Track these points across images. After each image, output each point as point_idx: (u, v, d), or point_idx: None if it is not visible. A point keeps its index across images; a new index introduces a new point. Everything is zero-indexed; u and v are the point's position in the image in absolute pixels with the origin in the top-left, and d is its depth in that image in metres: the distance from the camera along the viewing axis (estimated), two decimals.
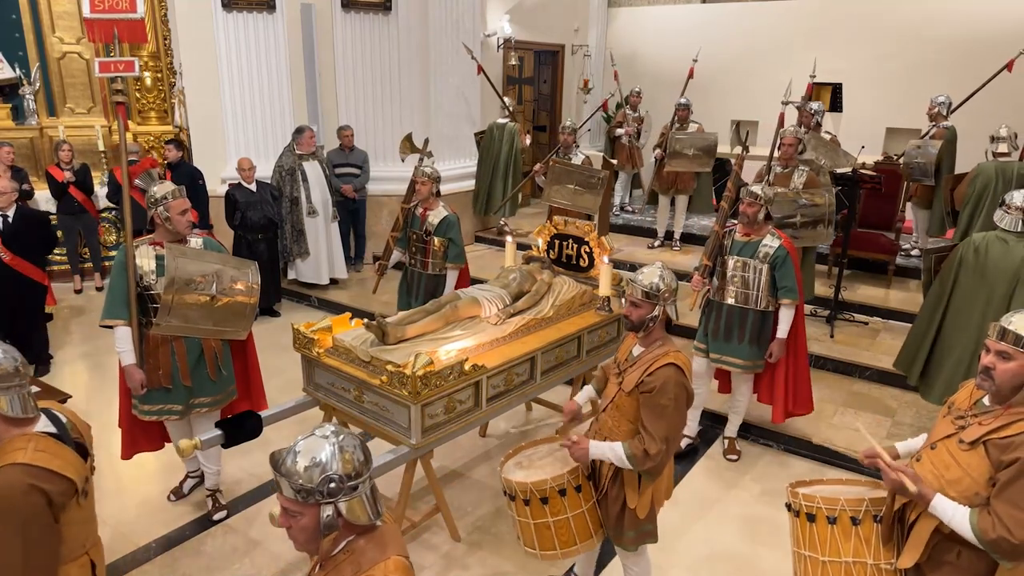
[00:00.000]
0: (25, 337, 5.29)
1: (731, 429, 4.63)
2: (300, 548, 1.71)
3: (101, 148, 7.80)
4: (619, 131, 8.77)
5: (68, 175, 7.04)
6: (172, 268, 3.34)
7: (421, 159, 5.31)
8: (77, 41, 8.03)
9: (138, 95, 8.26)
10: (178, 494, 4.07)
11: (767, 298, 4.17)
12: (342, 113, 8.09)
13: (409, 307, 4.99)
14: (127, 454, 3.80)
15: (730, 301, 4.25)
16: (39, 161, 7.80)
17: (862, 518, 2.32)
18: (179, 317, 3.41)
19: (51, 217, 7.55)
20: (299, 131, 7.04)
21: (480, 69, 8.49)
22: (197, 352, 3.57)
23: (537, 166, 6.96)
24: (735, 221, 4.35)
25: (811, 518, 2.37)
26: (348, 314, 3.91)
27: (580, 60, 11.48)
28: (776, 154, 5.65)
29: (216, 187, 7.43)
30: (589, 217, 6.19)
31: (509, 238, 4.76)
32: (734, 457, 4.57)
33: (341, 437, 1.67)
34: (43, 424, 2.13)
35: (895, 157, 7.40)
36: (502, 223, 8.87)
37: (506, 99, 8.94)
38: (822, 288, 6.70)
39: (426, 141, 5.55)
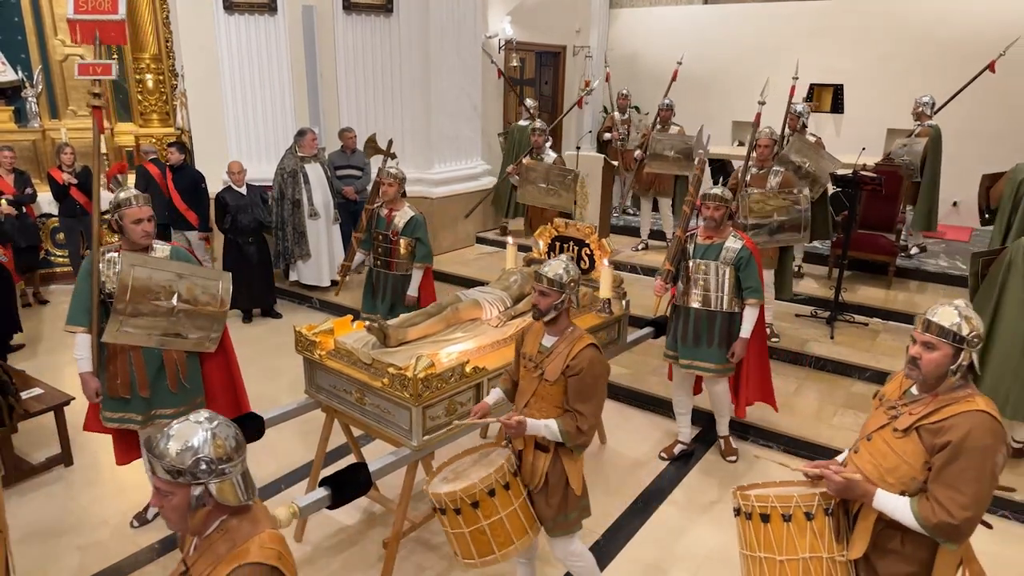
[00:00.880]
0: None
1: (722, 428, 4.65)
2: (172, 527, 1.77)
3: (103, 150, 7.82)
4: (607, 135, 8.82)
5: (69, 177, 7.06)
6: (125, 276, 3.28)
7: (385, 160, 5.30)
8: (79, 44, 8.05)
9: (140, 97, 8.30)
10: (141, 520, 3.90)
11: (732, 300, 4.17)
12: (343, 115, 8.11)
13: (374, 309, 5.00)
14: (121, 460, 3.79)
15: (695, 305, 4.23)
16: (41, 163, 7.83)
17: (815, 512, 2.32)
18: (134, 327, 3.34)
19: (53, 219, 7.62)
20: (301, 133, 7.06)
21: (500, 73, 8.53)
22: (157, 363, 3.51)
23: (511, 167, 7.02)
24: (698, 224, 4.32)
25: (765, 518, 2.35)
26: (349, 316, 3.92)
27: (581, 61, 11.49)
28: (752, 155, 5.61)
29: (217, 189, 7.44)
30: (567, 215, 6.20)
31: (510, 239, 4.77)
32: (733, 458, 4.58)
33: (215, 424, 1.72)
34: None
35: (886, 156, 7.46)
36: (505, 223, 8.93)
37: (528, 101, 9.05)
38: (822, 289, 6.73)
39: (390, 142, 5.55)
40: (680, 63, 8.09)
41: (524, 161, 6.52)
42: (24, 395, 4.42)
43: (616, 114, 8.91)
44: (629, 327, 4.60)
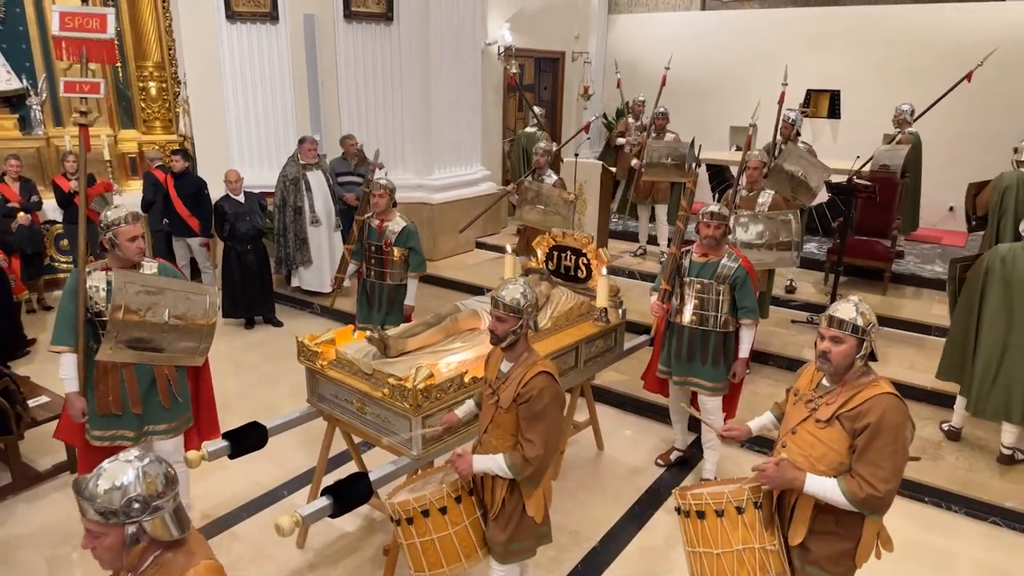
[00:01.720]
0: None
1: (709, 469, 4.40)
2: (106, 566, 1.76)
3: (107, 158, 7.89)
4: (620, 140, 8.85)
5: (74, 184, 7.12)
6: (119, 294, 3.29)
7: (374, 171, 5.34)
8: (62, 60, 8.10)
9: (143, 104, 8.37)
10: None
11: (727, 318, 4.10)
12: (344, 122, 8.18)
13: (371, 320, 5.03)
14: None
15: (689, 323, 4.16)
16: (46, 171, 7.89)
17: (745, 506, 2.50)
18: (127, 344, 3.35)
19: (57, 225, 7.69)
20: (300, 141, 7.13)
21: (513, 80, 8.56)
22: (149, 379, 3.51)
23: (510, 186, 7.03)
24: (692, 241, 4.25)
25: (701, 515, 2.54)
26: (351, 326, 3.99)
27: (580, 67, 11.57)
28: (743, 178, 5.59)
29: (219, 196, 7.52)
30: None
31: (509, 248, 4.83)
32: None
33: (145, 461, 1.72)
34: None
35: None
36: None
37: (536, 108, 9.09)
38: (818, 295, 6.79)
39: (376, 152, 5.59)
40: (668, 68, 8.06)
41: (525, 183, 6.55)
42: (31, 403, 4.50)
43: (630, 119, 8.93)
44: (627, 332, 4.66)
